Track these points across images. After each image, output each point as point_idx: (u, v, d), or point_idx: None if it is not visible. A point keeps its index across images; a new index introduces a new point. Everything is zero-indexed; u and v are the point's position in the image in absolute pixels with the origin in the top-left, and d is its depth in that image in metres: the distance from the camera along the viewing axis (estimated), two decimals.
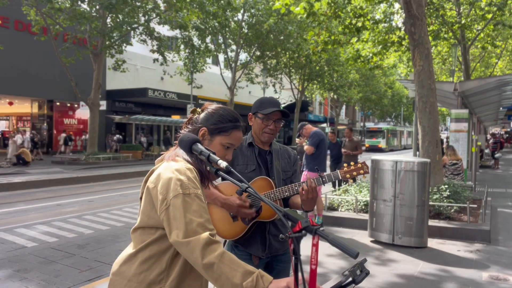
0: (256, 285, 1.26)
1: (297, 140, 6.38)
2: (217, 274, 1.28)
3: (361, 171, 2.25)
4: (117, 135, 23.97)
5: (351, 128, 9.54)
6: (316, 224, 1.24)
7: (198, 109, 1.68)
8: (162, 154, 1.63)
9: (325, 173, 2.37)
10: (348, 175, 2.25)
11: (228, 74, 28.40)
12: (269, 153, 2.39)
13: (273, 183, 2.25)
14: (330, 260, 4.90)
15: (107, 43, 18.07)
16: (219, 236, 2.23)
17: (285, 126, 41.59)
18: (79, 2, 17.00)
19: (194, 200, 1.39)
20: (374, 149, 38.49)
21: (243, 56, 27.91)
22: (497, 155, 19.03)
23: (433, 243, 5.70)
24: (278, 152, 2.42)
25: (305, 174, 6.32)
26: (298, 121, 34.27)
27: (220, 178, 2.23)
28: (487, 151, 21.75)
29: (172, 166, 1.46)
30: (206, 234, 1.33)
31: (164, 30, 20.69)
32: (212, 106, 1.68)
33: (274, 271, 2.31)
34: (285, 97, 36.87)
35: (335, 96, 42.73)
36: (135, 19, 18.00)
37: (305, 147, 6.40)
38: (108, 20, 18.27)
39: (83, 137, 22.91)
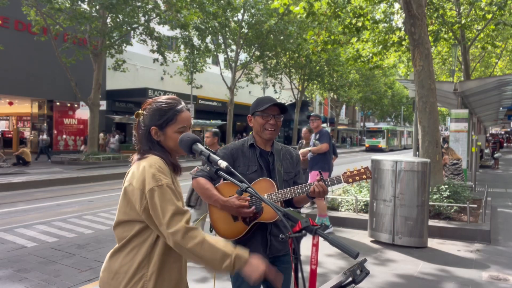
0: (234, 265, 1.48)
1: (300, 151, 6.29)
2: (199, 257, 1.48)
3: (364, 176, 2.25)
4: (117, 135, 23.95)
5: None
6: (316, 224, 1.25)
7: (141, 111, 1.70)
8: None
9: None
10: (350, 180, 2.24)
11: (228, 74, 28.38)
12: (270, 154, 2.36)
13: (276, 185, 2.23)
14: (330, 260, 4.90)
15: (107, 43, 18.06)
16: (220, 236, 2.22)
17: (285, 126, 41.58)
18: (79, 2, 16.99)
19: (167, 190, 1.51)
20: (374, 149, 38.49)
21: (243, 56, 27.89)
22: (496, 155, 19.02)
23: (433, 243, 5.70)
24: (280, 152, 2.39)
25: (316, 174, 6.18)
26: (298, 121, 34.28)
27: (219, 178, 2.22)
28: (487, 151, 21.74)
29: (141, 163, 1.58)
30: (182, 224, 1.48)
31: (164, 30, 20.68)
32: (148, 103, 1.69)
33: None
34: (285, 97, 36.84)
35: (335, 96, 42.76)
36: (135, 19, 17.99)
37: (320, 145, 6.30)
38: (108, 20, 18.25)
39: (41, 136, 21.30)
